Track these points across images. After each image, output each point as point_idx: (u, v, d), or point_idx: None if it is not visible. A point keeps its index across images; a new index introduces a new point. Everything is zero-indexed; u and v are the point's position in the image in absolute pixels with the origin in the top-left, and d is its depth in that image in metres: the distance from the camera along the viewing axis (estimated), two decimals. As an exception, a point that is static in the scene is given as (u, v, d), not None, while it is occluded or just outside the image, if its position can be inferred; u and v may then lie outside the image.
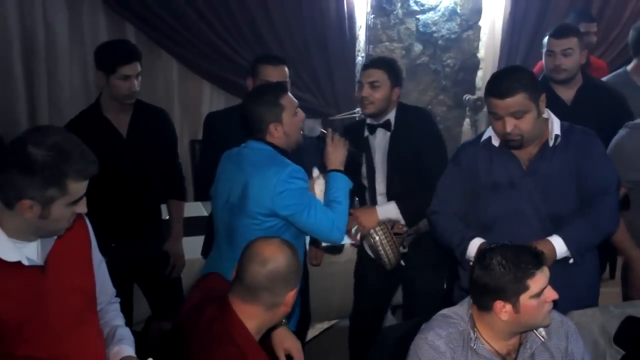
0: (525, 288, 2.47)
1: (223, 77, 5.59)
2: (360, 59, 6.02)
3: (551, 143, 3.13)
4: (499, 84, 3.09)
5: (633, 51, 4.67)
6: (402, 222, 3.79)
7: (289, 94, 3.30)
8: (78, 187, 2.16)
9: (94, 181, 3.25)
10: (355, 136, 3.87)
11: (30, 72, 5.24)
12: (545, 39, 4.27)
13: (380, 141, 3.88)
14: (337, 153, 3.35)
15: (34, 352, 2.25)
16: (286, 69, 3.92)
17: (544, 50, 4.27)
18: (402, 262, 3.85)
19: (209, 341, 2.45)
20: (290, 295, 2.52)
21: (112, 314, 2.63)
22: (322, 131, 3.41)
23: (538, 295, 2.49)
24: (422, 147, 3.76)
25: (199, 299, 2.66)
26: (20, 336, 2.21)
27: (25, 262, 2.20)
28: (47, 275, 2.27)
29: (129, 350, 2.48)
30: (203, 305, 2.59)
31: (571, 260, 3.06)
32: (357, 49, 5.96)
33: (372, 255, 3.86)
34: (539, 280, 2.49)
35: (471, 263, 3.05)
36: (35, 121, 5.28)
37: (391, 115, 3.84)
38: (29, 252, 2.23)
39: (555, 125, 3.16)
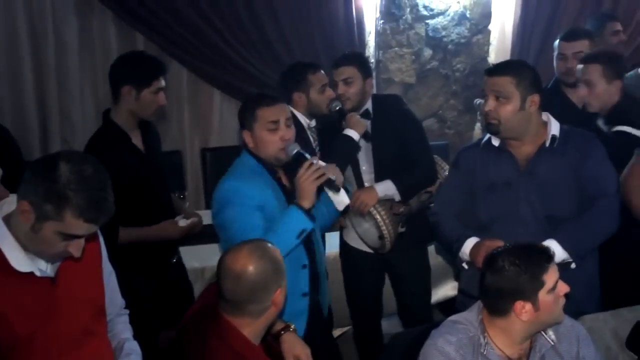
0: (542, 284, 2.49)
1: (233, 85, 5.59)
2: (370, 64, 6.01)
3: (547, 143, 3.14)
4: (498, 64, 3.27)
5: None
6: (398, 198, 3.93)
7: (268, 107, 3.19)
8: (74, 223, 2.09)
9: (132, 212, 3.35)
10: (333, 130, 4.00)
11: (41, 83, 5.26)
12: (557, 42, 4.26)
13: None
14: (308, 186, 3.03)
15: (43, 363, 2.25)
16: None
17: (555, 53, 4.25)
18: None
19: (204, 350, 2.45)
20: (277, 296, 2.50)
21: (120, 326, 2.62)
22: (299, 151, 3.14)
23: (553, 289, 2.50)
24: (404, 129, 4.00)
25: (198, 308, 2.67)
26: (29, 347, 2.21)
27: (38, 273, 2.20)
28: (57, 287, 2.27)
29: None
30: (201, 315, 2.60)
31: (573, 265, 3.04)
32: (366, 54, 5.95)
33: (367, 240, 3.97)
34: (552, 273, 2.51)
35: (464, 264, 3.18)
36: (47, 132, 5.31)
37: (368, 105, 4.03)
38: (40, 264, 2.23)
39: (554, 127, 3.18)
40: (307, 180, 3.02)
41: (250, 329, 2.51)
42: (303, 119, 3.98)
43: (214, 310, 2.54)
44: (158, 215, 3.70)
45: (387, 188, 3.93)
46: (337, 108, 3.93)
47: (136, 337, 3.03)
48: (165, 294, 3.72)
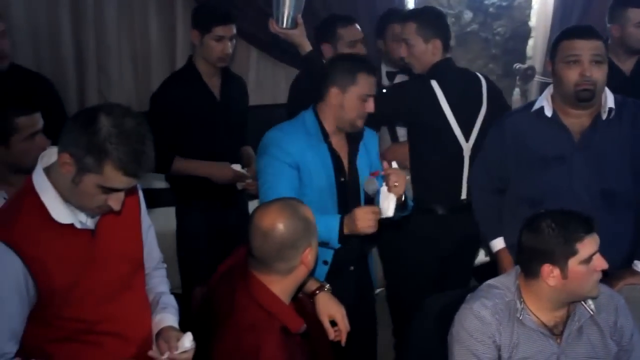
0: (574, 252, 2.45)
1: (269, 43, 5.50)
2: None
3: (604, 116, 3.07)
4: (582, 27, 3.16)
5: None
6: None
7: (370, 76, 3.15)
8: (114, 176, 2.10)
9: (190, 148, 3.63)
10: None
11: (79, 36, 5.23)
12: (627, 10, 4.10)
13: None
14: (362, 225, 2.94)
15: (80, 314, 2.27)
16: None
17: (631, 22, 4.09)
18: None
19: (233, 307, 2.46)
20: (306, 255, 2.48)
21: (157, 280, 2.63)
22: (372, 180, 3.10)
23: (587, 261, 2.47)
24: None
25: (229, 265, 2.67)
26: (67, 298, 2.23)
27: (78, 225, 2.22)
28: (97, 240, 2.29)
29: (172, 319, 2.49)
30: (231, 273, 2.60)
31: None
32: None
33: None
34: (588, 245, 2.47)
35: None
36: (84, 85, 5.30)
37: None
38: (81, 216, 2.24)
39: (609, 98, 3.10)
40: (367, 222, 2.93)
41: (280, 286, 2.50)
42: None
43: (244, 268, 2.54)
44: (219, 160, 3.88)
45: None
46: None
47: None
48: (220, 236, 3.89)
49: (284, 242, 2.44)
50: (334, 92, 3.11)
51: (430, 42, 3.62)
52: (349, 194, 3.23)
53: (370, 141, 3.38)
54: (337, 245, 3.03)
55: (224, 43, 3.78)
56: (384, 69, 4.16)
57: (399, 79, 4.04)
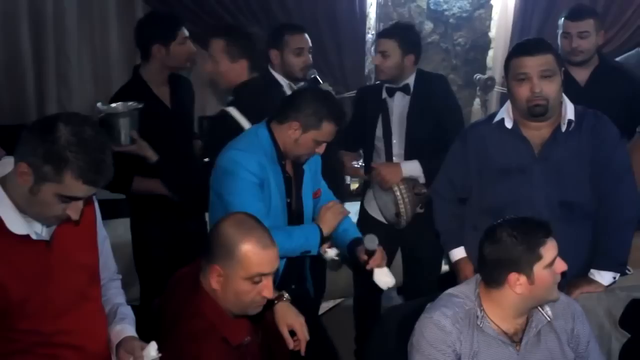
0: (539, 257, 2.47)
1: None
2: (370, 36, 5.95)
3: (564, 128, 3.10)
4: (530, 43, 3.16)
5: None
6: (422, 180, 3.91)
7: (335, 126, 3.13)
8: (74, 185, 2.07)
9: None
10: (373, 98, 4.05)
11: (39, 46, 5.21)
12: (561, 20, 4.20)
13: (398, 104, 4.04)
14: (332, 218, 3.18)
15: (36, 326, 2.24)
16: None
17: (560, 31, 4.20)
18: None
19: (179, 316, 2.45)
20: (216, 274, 2.43)
21: (113, 291, 2.61)
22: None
23: (551, 264, 2.49)
24: (442, 111, 3.94)
25: (181, 275, 2.65)
26: (23, 310, 2.20)
27: (34, 236, 2.19)
28: (52, 250, 2.26)
29: (131, 330, 2.47)
30: (182, 282, 2.59)
31: (628, 272, 3.14)
32: (367, 26, 5.89)
33: (385, 214, 3.97)
34: (550, 248, 2.50)
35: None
36: (44, 96, 5.27)
37: (410, 80, 4.01)
38: (36, 227, 2.22)
39: (569, 110, 3.13)
40: (332, 214, 3.15)
41: (214, 294, 2.47)
42: (281, 79, 4.05)
43: (195, 277, 2.53)
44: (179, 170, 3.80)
45: (413, 168, 3.93)
46: (312, 76, 4.08)
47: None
48: (179, 246, 3.83)
49: (213, 238, 2.46)
50: (294, 126, 3.06)
51: (237, 62, 3.61)
52: (294, 215, 3.23)
53: (313, 159, 3.34)
54: (316, 252, 3.11)
55: (188, 44, 3.80)
56: (284, 79, 4.16)
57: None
